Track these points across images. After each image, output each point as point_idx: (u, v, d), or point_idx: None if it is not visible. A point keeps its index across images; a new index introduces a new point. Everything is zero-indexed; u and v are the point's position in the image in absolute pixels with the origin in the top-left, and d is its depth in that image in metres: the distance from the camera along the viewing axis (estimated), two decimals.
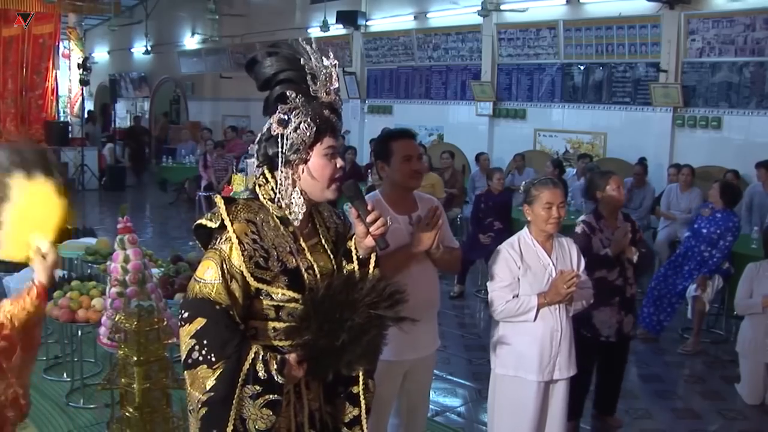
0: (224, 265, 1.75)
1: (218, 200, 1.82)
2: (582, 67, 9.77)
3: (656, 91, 8.78)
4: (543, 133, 10.37)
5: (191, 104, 17.76)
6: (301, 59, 1.82)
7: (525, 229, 3.09)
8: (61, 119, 16.01)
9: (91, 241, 5.86)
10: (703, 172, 7.77)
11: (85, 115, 15.53)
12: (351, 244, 1.96)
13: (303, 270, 1.83)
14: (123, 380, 3.15)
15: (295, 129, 1.80)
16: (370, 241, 1.89)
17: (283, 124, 1.80)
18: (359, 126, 13.03)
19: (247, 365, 1.70)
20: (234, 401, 1.70)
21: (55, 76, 15.01)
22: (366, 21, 12.61)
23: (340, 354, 1.77)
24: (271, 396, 1.72)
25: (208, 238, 1.84)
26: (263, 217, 1.83)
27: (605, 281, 3.76)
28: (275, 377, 1.72)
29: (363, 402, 1.97)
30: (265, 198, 1.86)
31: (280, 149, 1.81)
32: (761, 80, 8.08)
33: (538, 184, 3.06)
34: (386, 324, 1.83)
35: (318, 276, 1.86)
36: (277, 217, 1.85)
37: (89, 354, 4.78)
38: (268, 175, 1.87)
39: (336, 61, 1.88)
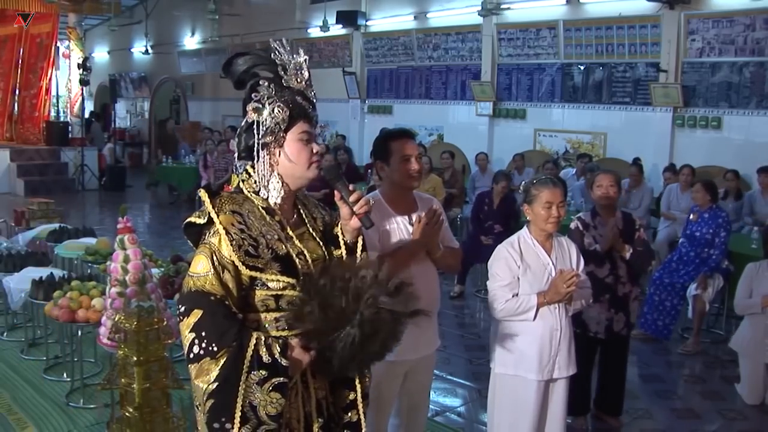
0: (214, 257, 1.79)
1: (202, 193, 1.87)
2: (582, 67, 9.77)
3: (656, 91, 8.78)
4: (543, 133, 10.38)
5: (191, 104, 17.77)
6: (272, 54, 1.88)
7: (525, 229, 3.10)
8: (61, 119, 16.01)
9: (91, 241, 5.86)
10: (703, 172, 7.76)
11: (88, 116, 15.41)
12: (337, 230, 2.00)
13: (294, 256, 1.87)
14: (123, 380, 3.15)
15: (270, 113, 1.85)
16: (355, 222, 1.94)
17: (258, 111, 1.86)
18: (359, 126, 13.04)
19: (250, 351, 1.72)
20: (240, 389, 1.71)
21: (51, 75, 14.97)
22: (366, 21, 12.62)
23: (354, 353, 1.77)
24: (277, 379, 1.74)
25: (198, 235, 1.88)
26: (249, 208, 1.87)
27: (594, 277, 3.76)
28: (279, 360, 1.74)
29: (358, 386, 2.00)
30: (249, 191, 1.91)
31: (256, 135, 1.86)
32: (761, 80, 8.08)
33: (538, 183, 3.06)
34: (400, 320, 1.80)
35: (310, 261, 1.89)
36: (262, 207, 1.89)
37: (89, 354, 4.77)
38: (251, 170, 1.92)
39: (306, 57, 1.94)
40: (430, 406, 3.54)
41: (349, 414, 2.01)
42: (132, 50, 19.13)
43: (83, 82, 14.09)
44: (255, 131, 1.86)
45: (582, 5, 9.62)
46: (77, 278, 4.64)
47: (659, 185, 8.27)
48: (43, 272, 4.81)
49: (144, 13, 17.34)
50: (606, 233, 3.88)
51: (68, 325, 4.30)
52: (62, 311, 4.12)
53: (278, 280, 1.82)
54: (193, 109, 17.68)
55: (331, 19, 12.63)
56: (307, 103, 1.91)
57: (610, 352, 4.07)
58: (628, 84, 9.33)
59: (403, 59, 12.18)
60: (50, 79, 14.96)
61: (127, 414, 3.14)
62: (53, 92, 15.20)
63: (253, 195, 1.90)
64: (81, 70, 13.94)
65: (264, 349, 1.73)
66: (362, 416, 2.01)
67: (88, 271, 5.34)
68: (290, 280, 1.83)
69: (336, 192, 1.93)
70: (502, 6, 10.38)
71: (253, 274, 1.80)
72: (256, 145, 1.86)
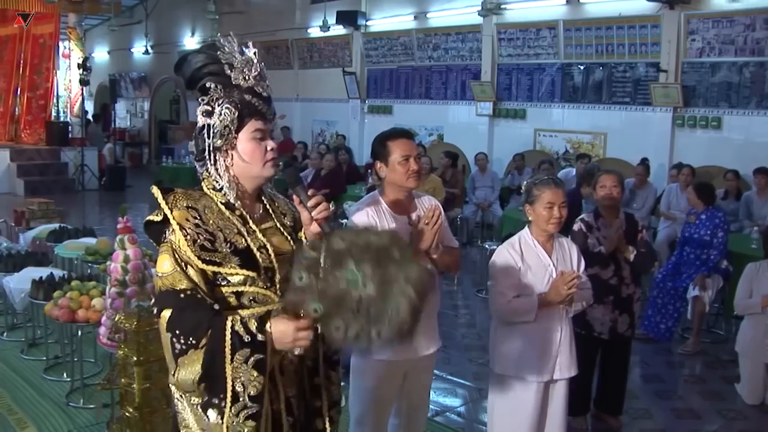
0: (176, 255, 1.78)
1: (155, 190, 1.85)
2: (582, 67, 9.77)
3: (656, 91, 8.78)
4: (543, 133, 10.38)
5: (191, 104, 17.75)
6: (218, 52, 1.85)
7: (526, 229, 3.09)
8: (61, 119, 16.00)
9: (91, 241, 5.86)
10: (703, 172, 7.77)
11: (89, 116, 15.42)
12: (302, 234, 1.98)
13: (255, 249, 1.85)
14: (123, 380, 3.15)
15: (219, 116, 1.83)
16: (315, 227, 1.89)
17: (208, 114, 1.84)
18: (359, 126, 13.04)
19: (228, 332, 1.72)
20: (228, 369, 1.71)
21: (55, 75, 14.99)
22: (366, 21, 12.62)
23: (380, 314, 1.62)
24: (257, 355, 1.73)
25: (159, 234, 1.87)
26: (206, 204, 1.86)
27: (598, 279, 3.76)
28: (256, 335, 1.73)
29: (324, 394, 1.98)
30: (208, 188, 1.89)
31: (208, 138, 1.85)
32: (761, 80, 8.08)
33: (540, 183, 3.05)
34: (418, 309, 1.66)
35: (272, 255, 1.87)
36: (221, 203, 1.88)
37: (89, 354, 4.77)
38: (211, 168, 1.89)
39: (255, 50, 1.89)
40: (430, 406, 3.54)
41: (316, 422, 1.98)
42: (132, 50, 19.13)
43: (83, 82, 14.09)
44: (206, 135, 1.84)
45: (582, 5, 9.62)
46: (77, 278, 4.64)
47: (660, 185, 8.26)
48: (43, 272, 4.81)
49: (144, 13, 17.34)
50: (610, 235, 3.86)
51: (68, 325, 4.30)
52: (62, 311, 4.12)
53: (238, 274, 1.81)
54: (192, 109, 17.62)
55: (331, 19, 12.63)
56: (258, 100, 1.87)
57: (613, 352, 4.06)
58: (628, 84, 9.33)
59: (403, 59, 12.18)
60: (53, 80, 14.98)
61: (127, 414, 3.14)
62: (55, 92, 15.23)
63: (212, 191, 1.88)
64: (81, 70, 13.94)
65: (240, 327, 1.73)
66: (328, 427, 1.98)
67: (88, 271, 5.34)
68: (251, 273, 1.82)
69: (294, 196, 1.90)
70: (502, 6, 10.38)
71: (210, 268, 1.79)
72: (207, 149, 1.85)
